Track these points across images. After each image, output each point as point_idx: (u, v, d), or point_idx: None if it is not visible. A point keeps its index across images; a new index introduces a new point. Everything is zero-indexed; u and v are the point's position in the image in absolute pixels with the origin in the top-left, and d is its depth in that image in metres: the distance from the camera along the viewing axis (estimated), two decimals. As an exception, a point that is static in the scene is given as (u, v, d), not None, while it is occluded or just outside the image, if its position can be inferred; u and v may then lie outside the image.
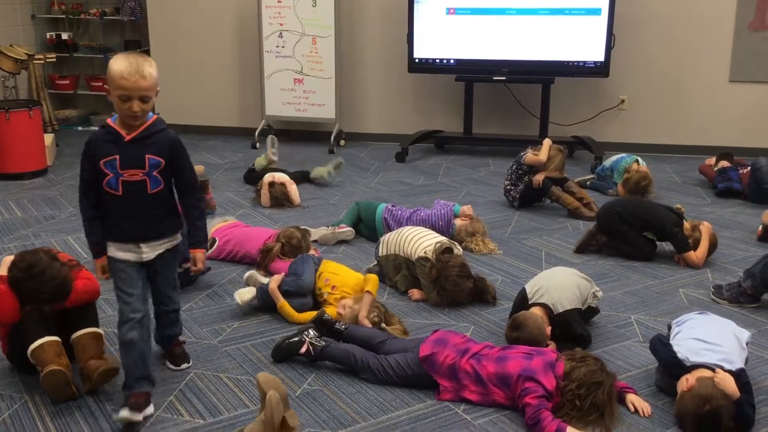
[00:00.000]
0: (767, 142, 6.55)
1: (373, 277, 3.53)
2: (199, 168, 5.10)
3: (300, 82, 7.13)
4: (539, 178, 5.17)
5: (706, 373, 2.65)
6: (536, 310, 3.25)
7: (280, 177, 5.40)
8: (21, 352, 2.87)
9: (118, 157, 2.59)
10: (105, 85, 2.64)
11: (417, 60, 6.81)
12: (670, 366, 2.79)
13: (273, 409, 2.26)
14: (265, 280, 3.69)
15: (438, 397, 2.84)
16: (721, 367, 2.66)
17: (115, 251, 2.68)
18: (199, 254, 2.86)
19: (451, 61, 6.74)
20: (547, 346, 3.14)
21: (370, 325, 3.31)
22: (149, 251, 2.72)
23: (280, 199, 5.28)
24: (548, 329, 3.18)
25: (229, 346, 3.29)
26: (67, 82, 8.17)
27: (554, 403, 2.65)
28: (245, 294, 3.56)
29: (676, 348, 2.79)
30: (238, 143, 7.38)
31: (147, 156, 2.61)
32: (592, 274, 3.85)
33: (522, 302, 3.35)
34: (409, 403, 2.83)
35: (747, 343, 2.94)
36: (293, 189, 5.38)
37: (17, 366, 3.02)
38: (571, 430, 2.58)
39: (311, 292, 3.59)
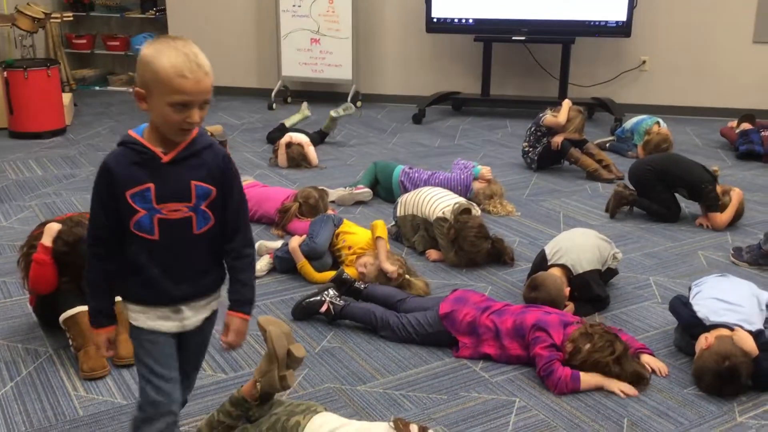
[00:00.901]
0: (790, 105, 6.46)
1: (379, 222, 3.53)
2: (217, 128, 5.12)
3: (317, 42, 7.07)
4: (558, 139, 5.13)
5: (725, 332, 2.65)
6: (555, 271, 3.25)
7: (298, 138, 5.38)
8: (52, 312, 2.90)
9: (152, 186, 1.80)
10: (134, 88, 1.79)
11: (435, 19, 6.72)
12: (690, 325, 2.79)
13: (274, 343, 2.29)
14: (273, 245, 3.71)
15: (456, 354, 2.87)
16: (741, 327, 2.66)
17: (145, 319, 1.88)
18: (237, 321, 1.97)
19: (470, 21, 6.66)
20: (566, 306, 3.15)
21: (393, 270, 3.32)
22: (192, 315, 1.93)
23: (297, 159, 5.28)
24: (567, 290, 3.18)
25: (249, 303, 3.31)
26: (83, 41, 8.15)
27: (561, 357, 2.67)
28: (259, 263, 3.58)
29: (696, 307, 2.79)
30: (255, 104, 7.36)
31: (193, 183, 1.84)
32: (612, 236, 3.84)
33: (541, 263, 3.35)
34: (428, 360, 2.85)
35: (767, 305, 2.93)
36: (311, 150, 5.37)
37: (43, 321, 3.06)
38: (585, 377, 2.61)
39: (327, 254, 3.60)
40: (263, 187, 4.48)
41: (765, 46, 6.52)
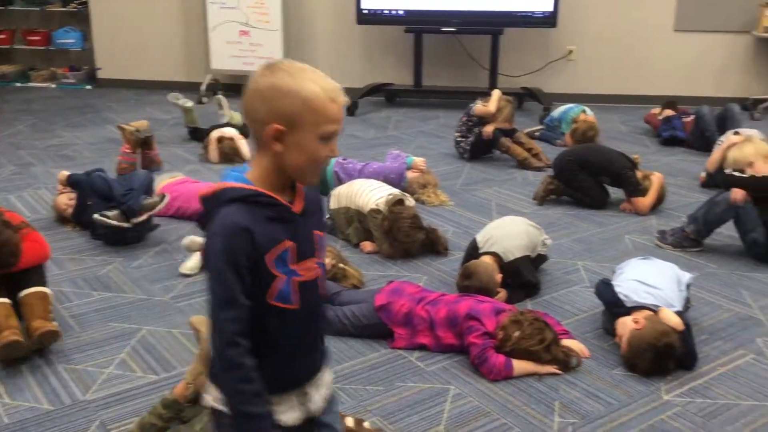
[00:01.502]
0: (710, 91, 6.68)
1: None
2: (142, 123, 5.00)
3: (246, 35, 6.97)
4: (489, 129, 5.19)
5: (650, 313, 2.74)
6: (487, 259, 3.29)
7: (229, 132, 5.31)
8: None
9: (292, 245, 1.47)
10: (276, 125, 1.40)
11: (365, 11, 6.71)
12: (611, 305, 2.89)
13: (208, 344, 2.25)
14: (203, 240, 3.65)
15: (392, 345, 2.88)
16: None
17: (280, 414, 1.52)
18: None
19: (400, 12, 6.67)
20: (498, 294, 3.19)
21: (326, 263, 3.30)
22: (316, 395, 1.59)
23: (229, 154, 5.20)
24: (499, 277, 3.23)
25: (181, 302, 3.26)
26: (2, 36, 7.84)
27: (494, 344, 2.72)
28: (190, 262, 3.52)
29: (617, 288, 2.88)
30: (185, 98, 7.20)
31: (315, 233, 1.54)
32: (542, 223, 3.90)
33: (473, 251, 3.39)
34: (364, 352, 2.86)
35: (689, 286, 3.04)
36: (243, 144, 5.30)
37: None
38: (518, 363, 2.66)
39: None
40: (194, 183, 4.40)
41: (685, 35, 6.74)
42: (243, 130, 5.58)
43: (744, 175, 3.62)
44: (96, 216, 3.69)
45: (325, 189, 4.49)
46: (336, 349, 2.88)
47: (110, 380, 2.67)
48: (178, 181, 4.36)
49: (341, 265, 3.34)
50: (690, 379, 2.68)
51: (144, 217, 3.78)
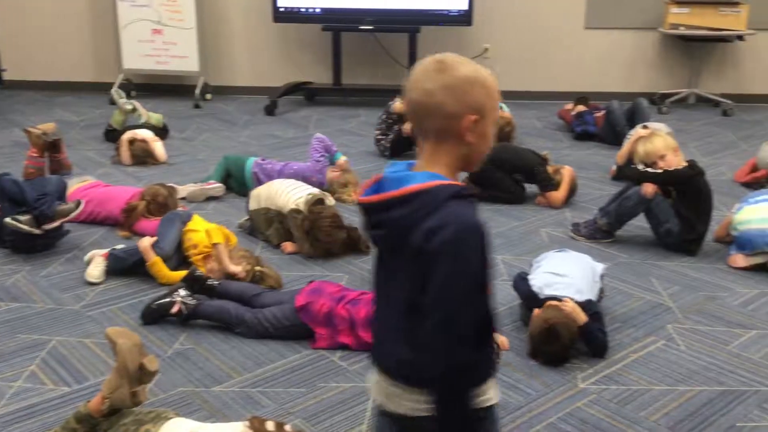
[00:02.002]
0: (620, 86, 6.91)
1: (212, 228, 3.45)
2: (49, 126, 4.81)
3: (159, 33, 6.79)
4: (407, 127, 5.22)
5: (554, 302, 2.82)
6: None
7: (142, 134, 5.17)
8: None
9: None
10: (472, 116, 1.41)
11: (282, 9, 6.64)
12: (527, 298, 2.95)
13: (126, 357, 2.17)
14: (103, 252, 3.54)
15: (313, 345, 2.86)
16: (571, 298, 2.83)
17: (495, 393, 1.51)
18: None
19: (317, 10, 6.63)
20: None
21: (238, 271, 3.26)
22: None
23: (141, 156, 5.06)
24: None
25: (93, 310, 3.15)
26: None
27: None
28: (94, 270, 3.40)
29: (532, 282, 2.94)
30: (95, 99, 6.98)
31: None
32: (461, 219, 3.96)
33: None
34: (285, 354, 2.83)
35: (602, 276, 3.13)
36: (158, 146, 5.17)
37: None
38: None
39: (172, 257, 3.47)
40: (106, 187, 4.26)
41: (595, 32, 6.94)
42: (159, 132, 5.45)
43: (657, 171, 3.73)
44: (7, 219, 3.53)
45: (243, 190, 4.43)
46: (257, 352, 2.84)
47: (19, 394, 2.55)
48: (89, 185, 4.21)
49: (258, 268, 3.29)
50: (604, 367, 2.76)
51: (57, 223, 3.64)
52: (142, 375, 2.20)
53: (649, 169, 3.75)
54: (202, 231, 3.52)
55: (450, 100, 1.39)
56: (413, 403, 1.45)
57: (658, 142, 3.81)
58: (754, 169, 4.79)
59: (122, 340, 2.22)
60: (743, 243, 3.55)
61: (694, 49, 6.78)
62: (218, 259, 3.33)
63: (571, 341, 2.74)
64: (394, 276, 1.47)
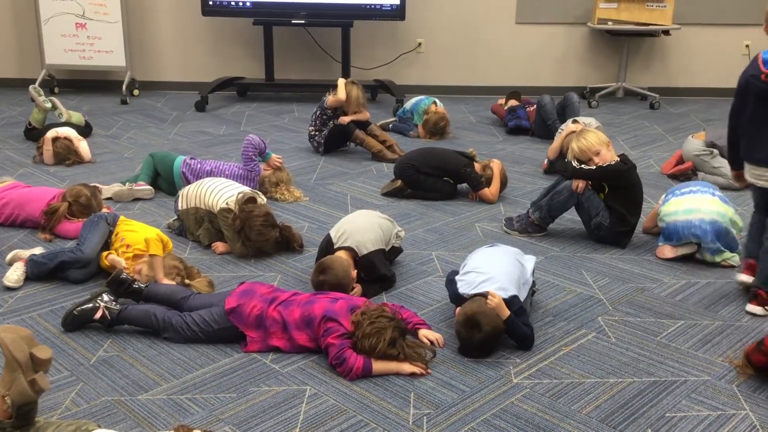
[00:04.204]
0: (551, 81, 7.00)
1: (151, 239, 3.33)
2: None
3: (83, 27, 6.56)
4: (345, 119, 5.18)
5: (479, 298, 2.82)
6: (341, 254, 3.26)
7: (65, 132, 4.98)
8: None
9: None
10: None
11: (211, 2, 6.49)
12: (456, 300, 2.94)
13: (11, 349, 2.07)
14: (26, 253, 3.38)
15: (245, 349, 2.79)
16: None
17: None
18: None
19: (248, 4, 6.50)
20: (353, 289, 3.17)
21: (172, 284, 3.16)
22: None
23: (64, 155, 4.87)
24: (354, 273, 3.20)
25: (12, 318, 3.00)
26: None
27: (352, 342, 2.69)
28: (12, 274, 3.25)
29: (459, 284, 2.93)
30: (17, 96, 6.69)
31: None
32: (396, 215, 3.94)
33: (327, 247, 3.35)
34: (215, 358, 2.75)
35: (533, 270, 3.14)
36: (82, 144, 4.99)
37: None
38: (378, 364, 2.64)
39: (94, 260, 3.34)
40: (26, 188, 4.07)
41: (526, 27, 7.02)
42: (82, 131, 5.26)
43: (591, 167, 3.77)
44: None
45: (171, 189, 4.31)
46: (185, 357, 2.75)
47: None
48: (8, 186, 4.02)
49: (187, 281, 3.18)
50: (538, 361, 2.77)
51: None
52: (36, 365, 2.11)
53: (584, 166, 3.79)
54: (140, 232, 3.40)
55: None
56: None
57: (591, 138, 3.84)
58: (680, 161, 4.91)
59: (6, 334, 2.12)
60: (670, 234, 3.63)
61: (622, 43, 6.92)
62: (153, 271, 3.19)
63: (493, 331, 2.74)
64: None
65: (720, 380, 2.66)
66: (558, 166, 3.94)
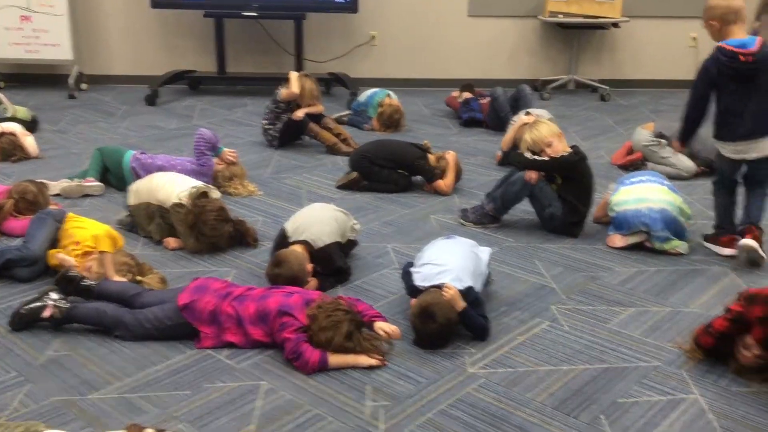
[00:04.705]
0: (503, 73, 7.06)
1: (101, 235, 3.27)
2: None
3: (28, 20, 6.38)
4: (300, 113, 5.14)
5: (434, 290, 2.83)
6: (297, 248, 3.24)
7: (9, 127, 4.85)
8: None
9: None
10: None
11: (160, -6, 6.38)
12: (412, 292, 2.95)
13: None
14: None
15: (199, 345, 2.75)
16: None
17: None
18: None
19: (198, -4, 6.41)
20: (309, 283, 3.16)
21: (123, 280, 3.10)
22: None
23: (9, 150, 4.74)
24: (309, 266, 3.18)
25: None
26: None
27: (308, 336, 2.67)
28: None
29: (414, 275, 2.94)
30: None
31: None
32: (351, 208, 3.93)
33: (282, 241, 3.33)
34: (168, 356, 2.71)
35: (489, 261, 3.17)
36: (28, 140, 4.86)
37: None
38: (335, 357, 2.63)
39: (42, 258, 3.26)
40: (-31, 185, 3.95)
41: (479, 20, 7.06)
42: (28, 125, 5.13)
43: (545, 159, 3.81)
44: None
45: (121, 185, 4.22)
46: (137, 354, 2.70)
47: None
48: (-50, 183, 3.90)
49: (139, 278, 3.12)
50: (493, 351, 2.80)
51: None
52: None
53: (537, 157, 3.83)
54: (89, 229, 3.32)
55: None
56: None
57: (543, 129, 3.89)
58: (630, 151, 5.00)
59: None
60: (620, 223, 3.69)
61: (573, 36, 7.02)
62: (103, 268, 3.13)
63: (448, 323, 2.75)
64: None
65: (670, 365, 2.72)
66: (516, 160, 3.97)
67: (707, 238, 3.75)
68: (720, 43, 3.38)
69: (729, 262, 3.58)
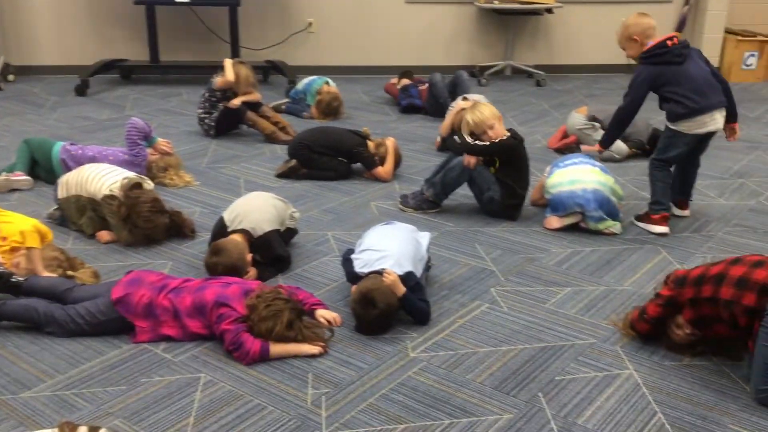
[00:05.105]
0: (441, 60, 7.08)
1: (27, 230, 3.14)
2: None
3: (-53, 8, 6.11)
4: (236, 101, 5.05)
5: (374, 275, 2.83)
6: (236, 237, 3.19)
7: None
8: None
9: None
10: None
11: (89, -19, 6.18)
12: (351, 278, 2.94)
13: None
14: None
15: (134, 339, 2.69)
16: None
17: None
18: None
19: (128, -17, 6.23)
20: (248, 273, 3.12)
21: (53, 276, 3.01)
22: None
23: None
24: (249, 256, 3.15)
25: None
26: None
27: (248, 326, 2.64)
28: None
29: (355, 262, 2.94)
30: None
31: None
32: (291, 196, 3.89)
33: (220, 230, 3.28)
34: (103, 351, 2.64)
35: (429, 246, 3.18)
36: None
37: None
38: (276, 347, 2.61)
39: None
40: None
41: (416, 6, 7.06)
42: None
43: (485, 143, 3.82)
44: None
45: (51, 178, 4.09)
46: (70, 351, 2.63)
47: None
48: None
49: (70, 273, 3.03)
50: (434, 334, 2.81)
51: None
52: None
53: (478, 142, 3.84)
54: (16, 223, 3.20)
55: None
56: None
57: (486, 111, 3.88)
58: (565, 135, 5.08)
59: None
60: (556, 205, 3.76)
61: (508, 22, 7.09)
62: (31, 264, 3.02)
63: (388, 308, 2.76)
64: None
65: (605, 342, 2.78)
66: (449, 144, 3.98)
67: (639, 217, 3.85)
68: (647, 46, 3.61)
69: (661, 240, 3.68)
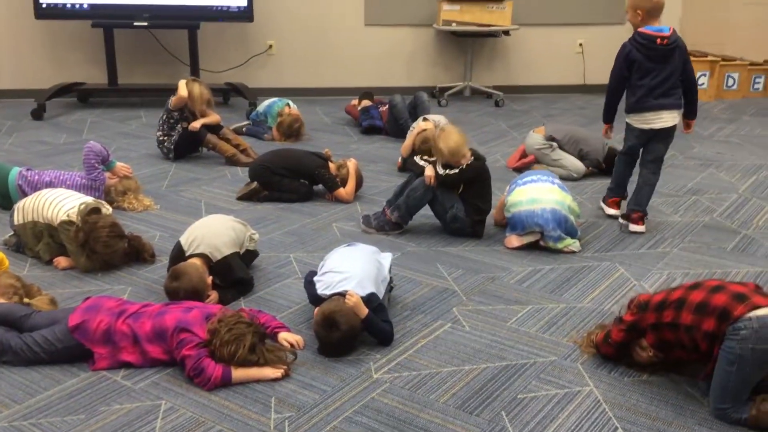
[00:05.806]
0: (401, 81, 7.16)
1: None
2: None
3: None
4: (197, 124, 5.02)
5: (337, 297, 2.84)
6: (195, 261, 3.17)
7: None
8: None
9: None
10: None
11: (44, 5, 6.13)
12: (315, 301, 2.94)
13: None
14: None
15: (93, 367, 2.65)
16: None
17: None
18: None
19: (84, 6, 6.18)
20: (209, 296, 3.09)
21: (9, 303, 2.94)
22: None
23: None
24: (209, 279, 3.12)
25: None
26: None
27: (209, 351, 2.62)
28: None
29: (317, 284, 2.94)
30: None
31: None
32: (252, 219, 3.88)
33: (179, 255, 3.24)
34: (61, 380, 2.59)
35: (391, 266, 3.20)
36: None
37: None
38: (238, 372, 2.59)
39: None
40: None
41: (375, 29, 7.14)
42: None
43: (457, 173, 3.82)
44: None
45: (7, 204, 4.02)
46: (27, 380, 2.57)
47: None
48: None
49: (26, 300, 2.97)
50: (397, 355, 2.82)
51: None
52: None
53: (449, 171, 3.85)
54: None
55: None
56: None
57: (457, 139, 3.85)
58: (524, 155, 5.16)
59: None
60: (515, 224, 3.80)
61: (467, 44, 7.19)
62: None
63: (351, 330, 2.76)
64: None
65: (566, 360, 2.82)
66: (409, 164, 4.00)
67: (604, 198, 4.33)
68: (640, 29, 3.80)
69: (618, 257, 3.75)
